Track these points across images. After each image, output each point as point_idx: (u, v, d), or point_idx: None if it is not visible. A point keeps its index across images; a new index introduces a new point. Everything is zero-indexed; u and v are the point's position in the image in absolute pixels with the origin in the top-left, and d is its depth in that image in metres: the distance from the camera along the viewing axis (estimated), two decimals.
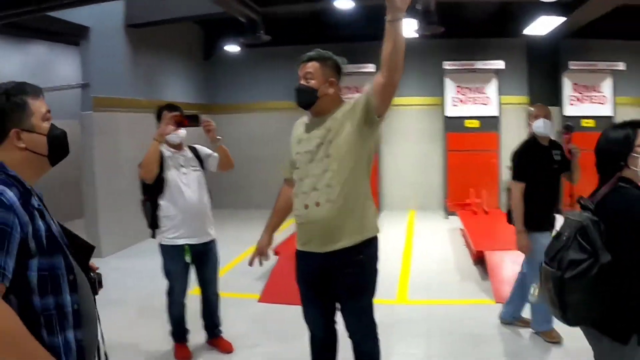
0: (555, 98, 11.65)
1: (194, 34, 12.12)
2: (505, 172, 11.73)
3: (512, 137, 11.79)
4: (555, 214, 4.98)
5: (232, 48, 11.84)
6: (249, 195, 12.52)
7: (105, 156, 8.78)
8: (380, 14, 3.00)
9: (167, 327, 5.05)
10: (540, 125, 4.96)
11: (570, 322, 2.57)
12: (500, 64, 11.20)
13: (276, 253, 7.22)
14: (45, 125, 2.05)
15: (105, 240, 8.69)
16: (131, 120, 9.28)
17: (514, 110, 11.98)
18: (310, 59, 3.56)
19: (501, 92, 11.55)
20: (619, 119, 10.98)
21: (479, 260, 7.68)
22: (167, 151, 4.73)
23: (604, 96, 11.43)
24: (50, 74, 10.79)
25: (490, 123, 11.51)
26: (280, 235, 8.22)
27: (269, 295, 6.54)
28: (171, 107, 4.78)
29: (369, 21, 10.45)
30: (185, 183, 4.73)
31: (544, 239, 4.81)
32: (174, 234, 4.69)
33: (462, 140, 11.37)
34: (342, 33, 11.28)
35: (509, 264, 7.03)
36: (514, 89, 11.99)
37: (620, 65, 11.12)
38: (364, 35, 11.24)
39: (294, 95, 3.60)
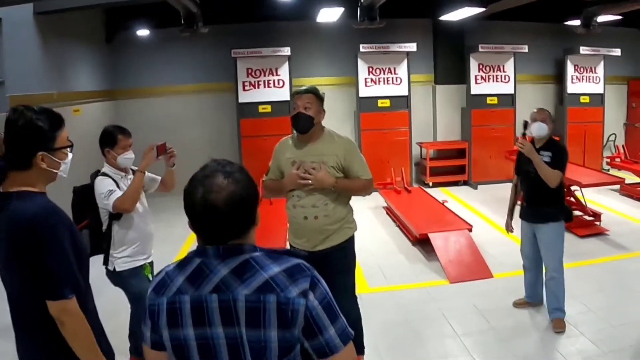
0: (460, 77, 12.23)
1: (95, 16, 11.27)
2: (416, 149, 12.21)
3: (420, 114, 12.31)
4: (525, 209, 5.61)
5: (140, 31, 11.37)
6: None
7: None
8: None
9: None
10: (534, 128, 5.34)
11: None
12: (412, 47, 11.53)
13: None
14: None
15: None
16: None
17: (421, 87, 12.47)
18: (307, 92, 4.27)
19: (410, 71, 11.89)
20: (520, 96, 11.78)
21: (418, 240, 8.05)
22: (115, 174, 4.48)
23: (507, 75, 12.07)
24: None
25: (401, 102, 11.88)
26: None
27: None
28: (122, 129, 4.56)
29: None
30: (140, 206, 4.58)
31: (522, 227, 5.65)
32: (132, 258, 4.53)
33: (374, 119, 11.69)
34: (257, 12, 11.32)
35: (453, 244, 7.44)
36: (421, 68, 12.42)
37: (524, 48, 11.82)
38: (279, 15, 11.32)
39: (294, 121, 4.25)
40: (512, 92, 12.09)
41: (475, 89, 12.03)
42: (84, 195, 4.42)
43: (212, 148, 11.92)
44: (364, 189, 4.37)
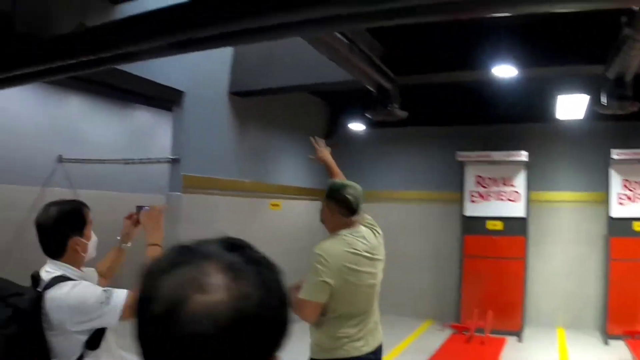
0: None
1: (314, 108, 10.78)
2: None
3: None
4: None
5: (356, 126, 10.55)
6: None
7: None
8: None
9: None
10: None
11: None
12: None
13: None
14: None
15: None
16: (230, 205, 7.99)
17: None
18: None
19: None
20: None
21: None
22: (78, 277, 2.64)
23: None
24: (150, 143, 9.89)
25: None
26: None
27: None
28: (84, 202, 2.88)
29: (519, 98, 8.90)
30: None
31: None
32: None
33: (630, 247, 9.15)
34: (487, 113, 9.81)
35: None
36: None
37: None
38: (511, 115, 9.67)
39: None
40: None
41: None
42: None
43: (430, 264, 10.84)
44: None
